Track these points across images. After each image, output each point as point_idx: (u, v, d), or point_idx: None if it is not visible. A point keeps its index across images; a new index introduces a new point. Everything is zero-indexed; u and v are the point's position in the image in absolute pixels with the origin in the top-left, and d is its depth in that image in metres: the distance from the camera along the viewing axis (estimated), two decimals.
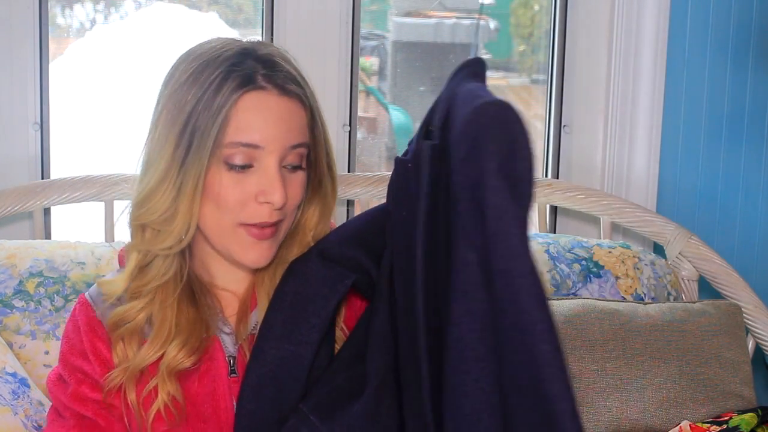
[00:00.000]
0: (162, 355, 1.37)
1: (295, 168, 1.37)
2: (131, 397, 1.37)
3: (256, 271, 1.44)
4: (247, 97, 1.33)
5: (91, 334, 1.41)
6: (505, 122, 1.07)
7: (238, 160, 1.34)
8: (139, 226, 1.40)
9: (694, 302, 1.97)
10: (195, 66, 1.35)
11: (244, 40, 1.41)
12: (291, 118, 1.35)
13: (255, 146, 1.33)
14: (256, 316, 1.42)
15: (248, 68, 1.34)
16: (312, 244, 1.43)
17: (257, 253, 1.38)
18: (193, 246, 1.43)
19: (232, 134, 1.32)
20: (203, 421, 1.39)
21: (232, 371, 1.41)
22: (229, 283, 1.45)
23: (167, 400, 1.36)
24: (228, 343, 1.42)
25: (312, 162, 1.42)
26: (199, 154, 1.32)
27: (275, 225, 1.37)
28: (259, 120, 1.33)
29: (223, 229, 1.37)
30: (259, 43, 1.40)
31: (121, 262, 1.48)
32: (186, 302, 1.41)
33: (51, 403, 1.43)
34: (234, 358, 1.42)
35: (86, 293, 1.45)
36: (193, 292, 1.42)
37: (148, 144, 1.39)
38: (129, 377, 1.37)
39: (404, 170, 1.25)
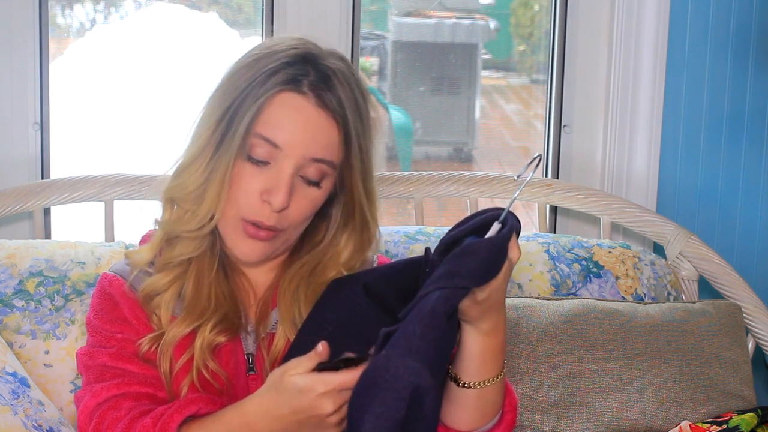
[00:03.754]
0: (196, 329, 1.37)
1: (312, 183, 1.37)
2: (164, 368, 1.37)
3: (279, 270, 1.45)
4: (284, 95, 1.34)
5: (130, 302, 1.40)
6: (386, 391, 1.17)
7: (259, 154, 1.34)
8: (169, 200, 1.41)
9: (694, 302, 1.96)
10: (259, 53, 1.37)
11: (322, 47, 1.39)
12: (319, 131, 1.34)
13: (275, 145, 1.33)
14: (276, 315, 1.43)
15: (300, 71, 1.34)
16: (343, 272, 1.42)
17: (248, 247, 1.38)
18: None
19: (260, 126, 1.33)
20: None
21: (251, 369, 1.41)
22: (251, 273, 1.46)
23: (206, 374, 1.36)
24: (248, 341, 1.42)
25: (345, 187, 1.41)
26: (231, 142, 1.34)
27: (272, 230, 1.37)
28: (286, 120, 1.33)
29: (227, 217, 1.38)
30: (332, 54, 1.39)
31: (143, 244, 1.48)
32: (222, 277, 1.42)
33: (83, 380, 1.41)
34: (252, 355, 1.42)
35: (109, 270, 1.45)
36: (225, 269, 1.43)
37: (199, 115, 1.40)
38: (164, 351, 1.37)
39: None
